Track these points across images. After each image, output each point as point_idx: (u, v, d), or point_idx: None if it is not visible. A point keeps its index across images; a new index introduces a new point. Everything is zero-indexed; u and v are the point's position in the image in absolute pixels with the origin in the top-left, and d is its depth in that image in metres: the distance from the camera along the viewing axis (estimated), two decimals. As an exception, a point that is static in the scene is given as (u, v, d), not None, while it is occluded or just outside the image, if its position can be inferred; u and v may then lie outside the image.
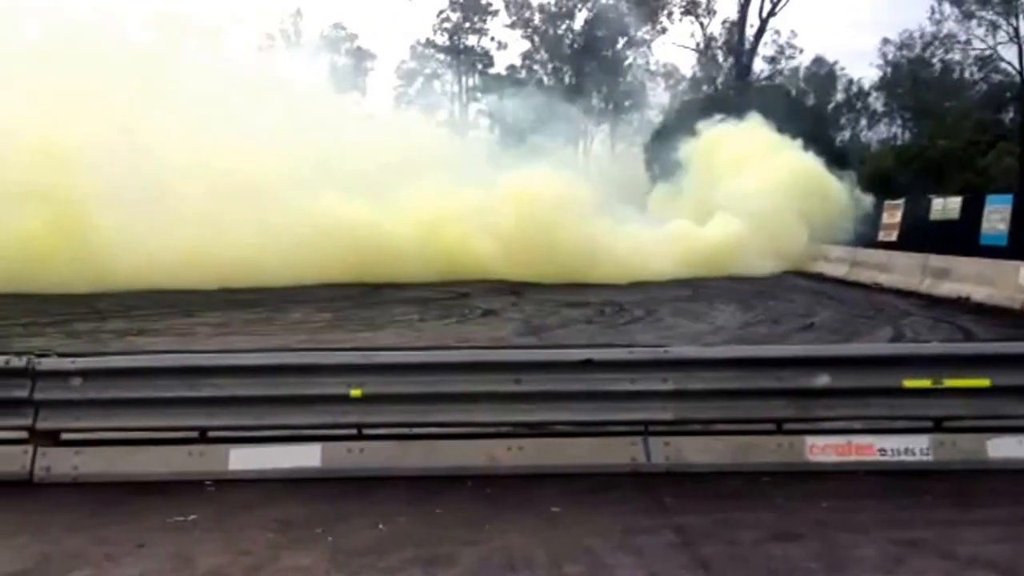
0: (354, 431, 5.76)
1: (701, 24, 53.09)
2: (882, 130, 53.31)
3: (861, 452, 5.61)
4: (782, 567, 4.28)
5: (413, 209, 19.99)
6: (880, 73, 51.25)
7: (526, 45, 57.49)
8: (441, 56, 59.11)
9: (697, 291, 17.91)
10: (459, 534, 4.68)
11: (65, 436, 5.76)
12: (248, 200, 18.26)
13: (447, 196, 20.30)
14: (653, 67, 56.87)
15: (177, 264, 17.26)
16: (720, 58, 53.49)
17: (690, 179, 27.92)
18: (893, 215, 21.86)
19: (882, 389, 5.71)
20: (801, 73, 53.48)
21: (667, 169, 29.45)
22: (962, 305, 14.74)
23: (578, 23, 55.58)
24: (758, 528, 4.72)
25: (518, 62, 57.64)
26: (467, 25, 58.10)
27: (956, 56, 48.07)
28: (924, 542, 4.52)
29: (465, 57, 58.54)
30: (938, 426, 5.73)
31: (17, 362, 5.66)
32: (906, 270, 17.99)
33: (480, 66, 58.75)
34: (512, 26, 56.98)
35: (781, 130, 27.18)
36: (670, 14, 53.10)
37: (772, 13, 49.69)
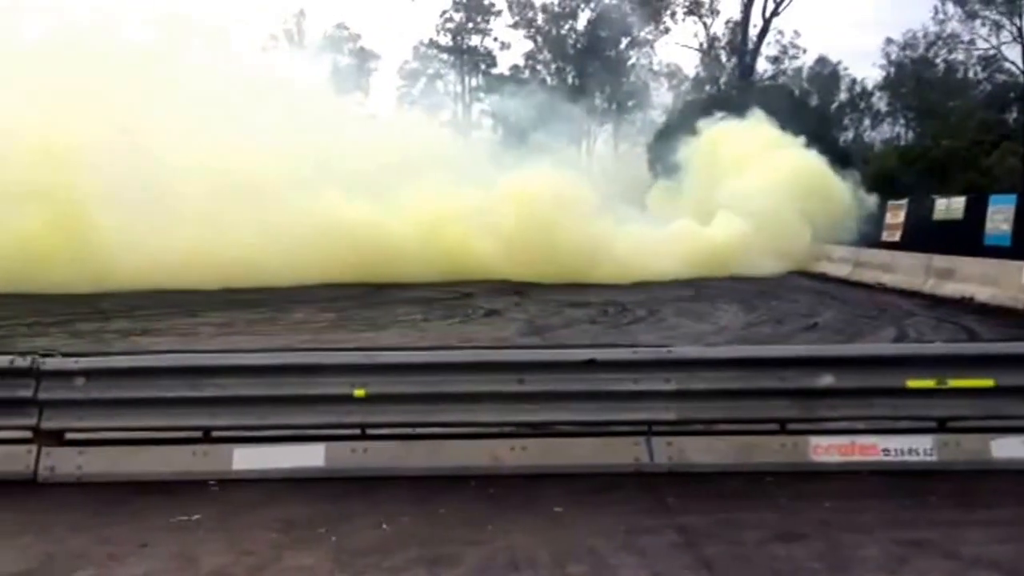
0: (358, 431, 5.76)
1: (704, 24, 53.17)
2: (885, 130, 53.30)
3: (865, 452, 5.60)
4: (786, 567, 4.27)
5: (413, 209, 19.98)
6: (884, 73, 51.29)
7: (529, 45, 57.61)
8: (444, 56, 59.13)
9: (700, 291, 17.89)
10: (463, 534, 4.68)
11: (69, 436, 5.78)
12: (248, 200, 18.27)
13: (447, 196, 20.29)
14: (656, 67, 56.96)
15: (178, 264, 17.28)
16: (723, 58, 53.49)
17: (690, 177, 27.88)
18: (896, 215, 21.83)
19: (886, 389, 5.70)
20: (804, 73, 53.46)
21: (670, 169, 29.43)
22: (966, 305, 14.72)
23: (581, 23, 55.63)
24: (761, 528, 4.72)
25: (521, 62, 57.74)
26: (470, 25, 58.12)
27: (960, 56, 48.11)
28: (928, 542, 4.51)
29: (468, 57, 58.57)
30: (942, 426, 5.72)
31: (21, 362, 5.67)
32: (910, 270, 17.97)
33: (483, 66, 58.77)
34: (515, 26, 57.04)
35: (784, 130, 27.14)
36: (673, 14, 53.17)
37: (775, 13, 49.78)
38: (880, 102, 52.55)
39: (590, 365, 5.72)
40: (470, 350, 8.46)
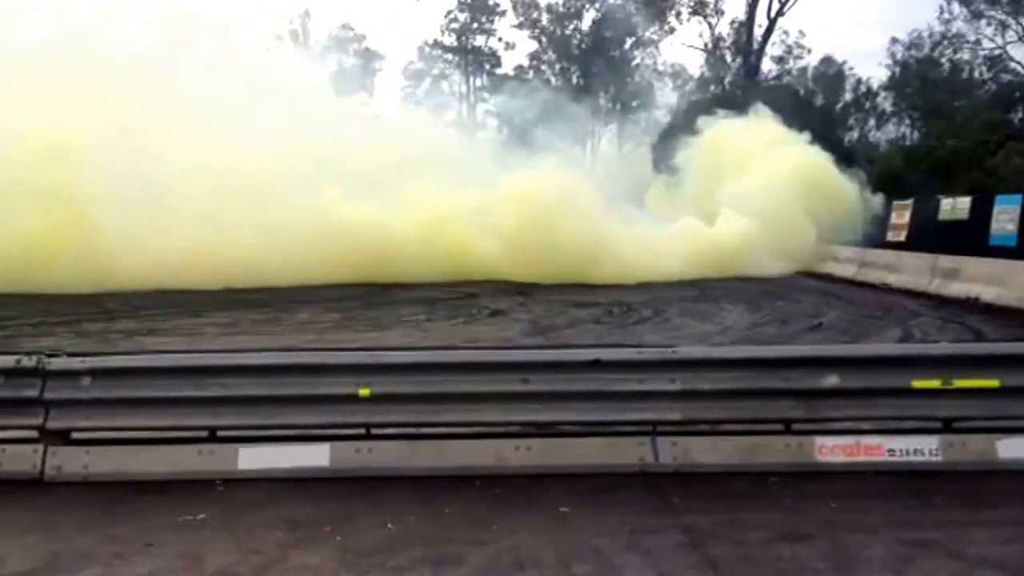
0: (362, 431, 5.77)
1: (709, 24, 53.05)
2: (891, 130, 53.13)
3: (870, 452, 5.60)
4: (791, 568, 4.27)
5: (414, 209, 19.94)
6: (889, 73, 51.14)
7: (534, 45, 57.61)
8: (449, 57, 59.16)
9: (705, 292, 17.87)
10: (467, 534, 4.68)
11: (75, 435, 5.79)
12: (249, 200, 18.25)
13: (448, 196, 20.24)
14: (661, 67, 56.88)
15: (178, 264, 17.28)
16: (728, 58, 53.39)
17: (691, 175, 27.79)
18: (902, 215, 21.77)
19: (891, 389, 5.69)
20: (809, 73, 53.33)
21: (674, 169, 29.36)
22: (971, 305, 14.69)
23: (586, 23, 55.60)
24: (766, 528, 4.72)
25: (526, 62, 57.71)
26: (475, 26, 58.13)
27: (965, 56, 47.95)
28: (933, 543, 4.51)
29: (473, 58, 58.58)
30: (947, 427, 5.72)
31: (28, 362, 5.69)
32: (915, 270, 17.94)
33: (488, 66, 58.78)
34: (520, 26, 57.02)
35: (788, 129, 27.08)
36: (678, 14, 53.03)
37: (780, 13, 49.64)
38: (885, 102, 52.41)
39: (595, 365, 5.72)
40: (474, 350, 8.48)
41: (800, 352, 6.96)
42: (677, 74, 57.19)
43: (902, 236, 21.17)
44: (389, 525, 4.81)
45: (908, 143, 47.88)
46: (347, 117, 24.90)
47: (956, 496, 5.17)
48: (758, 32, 50.59)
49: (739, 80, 49.37)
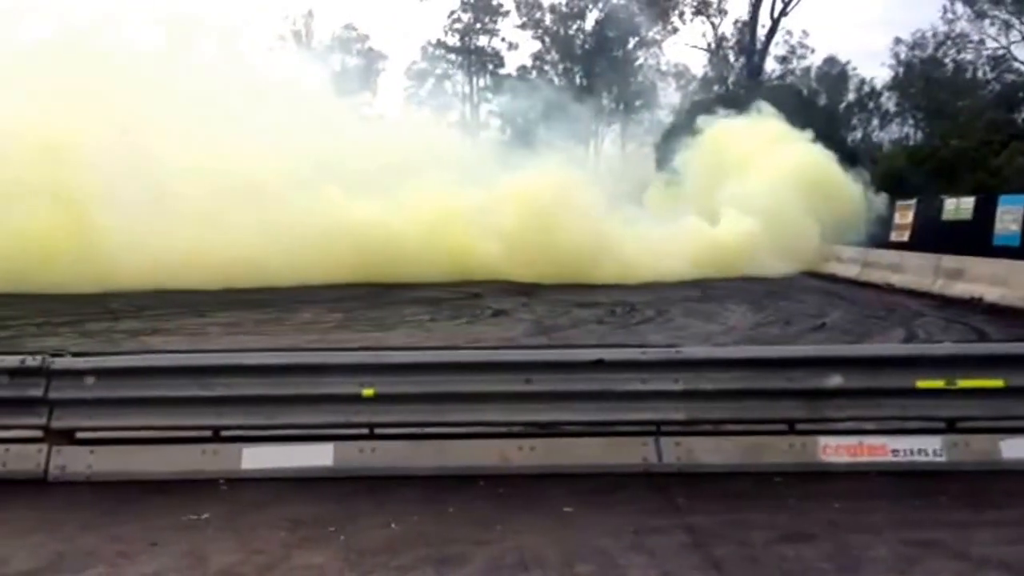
0: (366, 431, 5.77)
1: (712, 24, 52.99)
2: (894, 130, 52.96)
3: (873, 453, 5.59)
4: (794, 568, 4.27)
5: (415, 209, 19.93)
6: (892, 73, 50.96)
7: (537, 46, 57.51)
8: (452, 57, 59.11)
9: (708, 292, 17.85)
10: (471, 533, 4.68)
11: (79, 435, 5.80)
12: (249, 200, 18.27)
13: (449, 196, 20.24)
14: (664, 67, 56.75)
15: (179, 264, 17.30)
16: (731, 58, 53.33)
17: (692, 174, 27.74)
18: (905, 215, 21.73)
19: (894, 390, 5.69)
20: (813, 73, 53.21)
21: (677, 169, 29.32)
22: (975, 306, 14.66)
23: (589, 23, 55.55)
24: (770, 528, 4.71)
25: (529, 63, 57.59)
26: (478, 26, 58.08)
27: (969, 56, 47.80)
28: (937, 543, 4.50)
29: (476, 58, 58.51)
30: (951, 427, 5.71)
31: (32, 362, 5.70)
32: (918, 271, 17.91)
33: (491, 67, 58.72)
34: (523, 27, 56.98)
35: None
36: (681, 14, 52.96)
37: (783, 13, 49.58)
38: (889, 102, 52.27)
39: (598, 365, 5.73)
40: (478, 350, 8.49)
41: (804, 352, 6.97)
42: (680, 74, 57.14)
43: (905, 236, 21.14)
44: (393, 525, 4.81)
45: (912, 143, 47.75)
46: (348, 117, 24.92)
47: (960, 496, 5.16)
48: (761, 32, 50.61)
49: (742, 80, 49.31)
